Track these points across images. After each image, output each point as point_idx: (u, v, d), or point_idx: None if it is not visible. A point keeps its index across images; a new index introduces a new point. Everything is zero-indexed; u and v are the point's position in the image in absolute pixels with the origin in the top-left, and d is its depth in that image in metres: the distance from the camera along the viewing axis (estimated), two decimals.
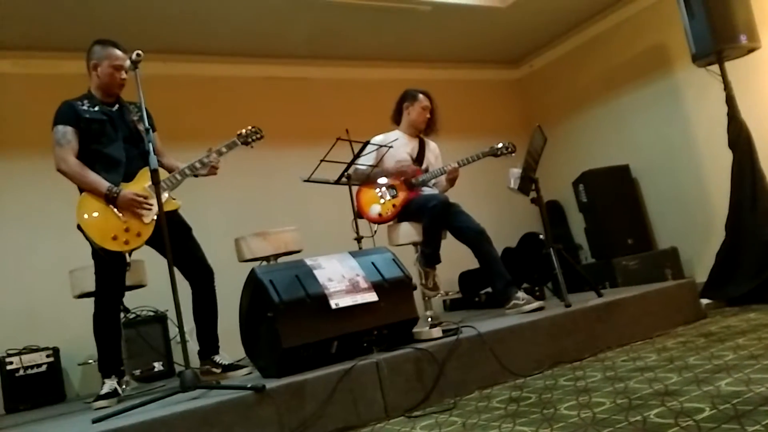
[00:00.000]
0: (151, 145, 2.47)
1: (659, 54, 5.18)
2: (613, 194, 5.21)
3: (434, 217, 3.59)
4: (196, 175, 3.03)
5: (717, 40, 3.72)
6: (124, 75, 2.95)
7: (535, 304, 3.25)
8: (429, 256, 3.68)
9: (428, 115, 3.95)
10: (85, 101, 2.94)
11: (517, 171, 3.53)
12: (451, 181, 3.88)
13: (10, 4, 3.80)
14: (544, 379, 2.56)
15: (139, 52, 2.55)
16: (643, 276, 4.64)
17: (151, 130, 2.51)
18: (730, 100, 3.88)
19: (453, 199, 3.79)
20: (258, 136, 3.19)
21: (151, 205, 2.83)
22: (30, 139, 4.05)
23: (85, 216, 2.78)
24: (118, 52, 2.94)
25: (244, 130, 3.16)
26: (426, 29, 5.27)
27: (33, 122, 3.79)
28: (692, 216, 5.03)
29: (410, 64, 5.86)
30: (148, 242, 2.90)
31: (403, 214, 3.79)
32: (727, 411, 1.66)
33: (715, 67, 3.86)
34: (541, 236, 4.48)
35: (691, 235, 5.02)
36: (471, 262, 3.62)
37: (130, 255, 2.94)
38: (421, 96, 3.95)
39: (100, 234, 2.76)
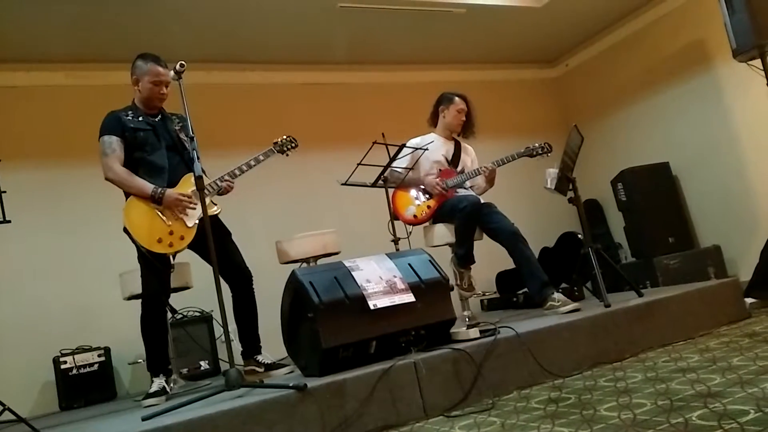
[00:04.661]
0: (195, 152, 2.56)
1: (699, 50, 5.08)
2: (653, 192, 5.12)
3: (465, 218, 3.61)
4: (222, 192, 3.12)
5: (758, 35, 3.62)
6: (164, 90, 3.05)
7: (571, 306, 3.23)
8: (462, 257, 3.70)
9: (463, 118, 3.97)
10: (130, 112, 3.05)
11: (553, 171, 3.51)
12: (491, 181, 3.91)
13: (58, 19, 3.97)
14: (584, 379, 2.55)
15: (183, 62, 2.63)
16: (685, 275, 4.55)
17: (194, 138, 2.60)
18: None
19: (490, 198, 3.80)
20: (293, 145, 3.35)
21: (196, 204, 2.92)
22: (84, 148, 4.20)
23: (132, 220, 2.89)
24: (158, 68, 3.04)
25: (279, 139, 3.31)
26: (461, 31, 5.28)
27: (86, 131, 3.92)
28: (735, 213, 4.91)
29: (446, 66, 5.87)
30: (191, 246, 3.00)
31: (437, 215, 3.83)
32: None
33: (757, 62, 3.76)
34: (580, 236, 4.45)
35: (735, 233, 4.90)
36: (508, 262, 3.61)
37: (174, 257, 3.05)
38: (456, 99, 3.97)
39: (146, 237, 2.87)
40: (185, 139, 2.96)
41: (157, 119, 3.11)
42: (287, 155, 3.34)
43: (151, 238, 2.87)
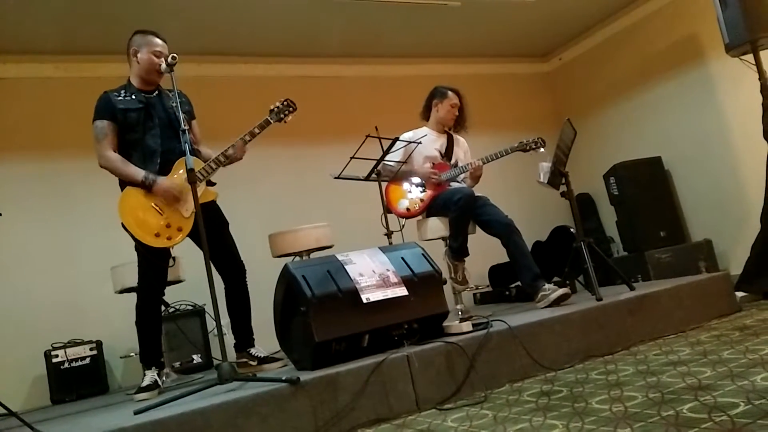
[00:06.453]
0: (187, 145, 2.52)
1: (691, 44, 5.09)
2: (645, 186, 5.15)
3: (460, 210, 3.61)
4: (227, 164, 3.00)
5: (751, 29, 3.63)
6: (162, 61, 2.91)
7: (561, 291, 3.25)
8: (456, 249, 3.70)
9: (456, 113, 3.97)
10: (122, 91, 2.97)
11: (546, 165, 3.52)
12: (476, 178, 3.90)
13: (47, 10, 3.93)
14: (576, 372, 2.56)
15: (175, 55, 2.60)
16: (677, 269, 4.58)
17: (187, 131, 2.57)
18: (765, 90, 3.78)
19: (483, 193, 3.80)
20: (291, 109, 3.05)
21: (188, 194, 2.85)
22: (74, 140, 4.20)
23: (127, 215, 2.84)
24: (158, 40, 3.00)
25: (275, 106, 3.04)
26: (455, 25, 5.27)
27: (75, 123, 3.88)
28: (727, 208, 4.94)
29: (440, 59, 5.87)
30: (188, 234, 2.96)
31: (430, 208, 3.82)
32: (762, 406, 1.64)
33: (750, 57, 3.78)
34: (572, 229, 4.46)
35: (726, 227, 4.93)
36: (501, 256, 3.63)
37: (172, 250, 3.02)
38: (450, 93, 3.97)
39: (143, 232, 2.83)
40: (183, 116, 2.89)
41: (152, 95, 3.02)
42: (285, 122, 3.05)
43: (148, 233, 2.82)
